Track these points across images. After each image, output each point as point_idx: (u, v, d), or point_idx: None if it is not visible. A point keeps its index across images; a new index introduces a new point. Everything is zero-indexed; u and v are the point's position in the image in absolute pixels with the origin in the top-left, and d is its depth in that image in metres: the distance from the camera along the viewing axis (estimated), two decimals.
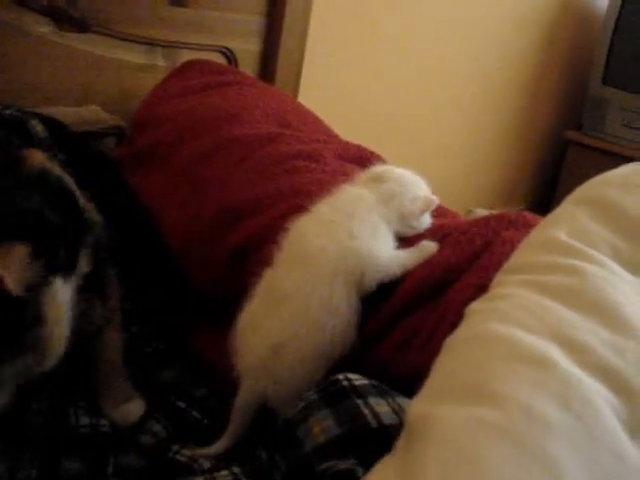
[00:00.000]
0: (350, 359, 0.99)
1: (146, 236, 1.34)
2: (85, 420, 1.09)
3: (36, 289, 0.85)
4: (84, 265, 0.97)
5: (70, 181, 1.04)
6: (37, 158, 1.04)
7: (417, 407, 0.64)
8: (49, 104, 1.60)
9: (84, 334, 1.08)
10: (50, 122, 1.46)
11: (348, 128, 1.62)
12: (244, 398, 1.00)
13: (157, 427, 1.10)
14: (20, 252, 0.85)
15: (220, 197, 1.25)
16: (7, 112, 1.45)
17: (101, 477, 0.98)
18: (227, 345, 1.02)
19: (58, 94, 1.66)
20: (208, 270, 1.25)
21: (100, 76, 1.70)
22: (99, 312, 1.08)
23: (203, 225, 1.26)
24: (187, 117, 1.44)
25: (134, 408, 1.13)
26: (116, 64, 1.72)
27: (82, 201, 1.03)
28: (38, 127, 1.43)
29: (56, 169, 1.03)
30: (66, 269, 0.93)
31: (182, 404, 1.15)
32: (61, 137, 1.44)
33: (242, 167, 1.28)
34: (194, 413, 1.13)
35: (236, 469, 0.93)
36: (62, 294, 0.90)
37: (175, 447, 1.05)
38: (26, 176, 0.98)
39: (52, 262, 0.89)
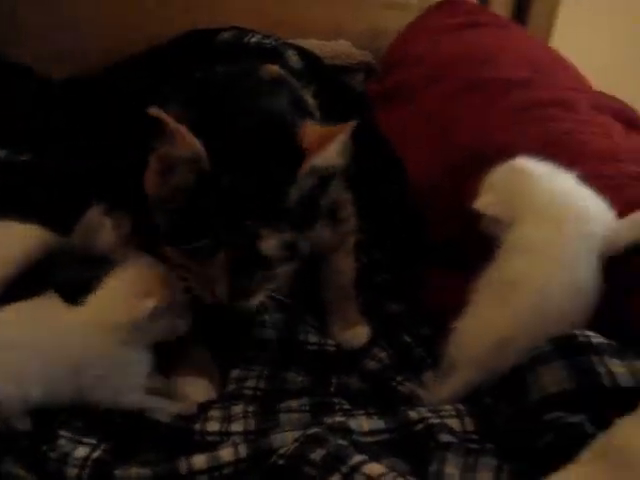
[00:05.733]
0: None
1: (389, 171, 1.36)
2: (313, 338, 1.14)
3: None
4: None
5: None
6: (274, 68, 1.08)
7: None
8: (302, 37, 1.66)
9: (313, 255, 1.13)
10: (305, 54, 1.52)
11: (604, 82, 1.51)
12: (456, 388, 0.96)
13: (382, 354, 1.12)
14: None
15: (466, 140, 1.23)
16: (266, 42, 1.53)
17: (323, 393, 1.02)
18: (457, 292, 0.99)
19: (311, 28, 1.71)
20: (448, 213, 1.23)
21: (352, 12, 1.74)
22: (328, 235, 1.12)
23: (448, 169, 1.24)
24: (440, 57, 1.42)
25: (360, 333, 1.16)
26: (369, 1, 1.74)
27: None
28: (294, 57, 1.50)
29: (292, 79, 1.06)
30: None
31: (408, 338, 1.16)
32: (315, 69, 1.49)
33: (492, 111, 1.25)
34: (419, 350, 1.13)
35: (460, 406, 0.93)
36: None
37: (399, 377, 1.06)
38: (268, 79, 1.02)
39: None
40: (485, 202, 0.99)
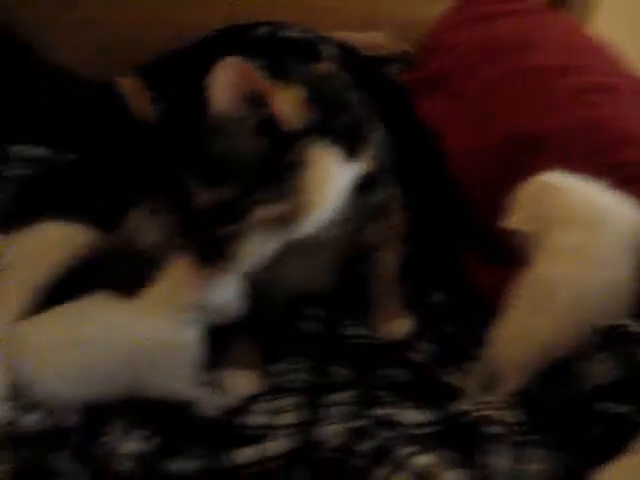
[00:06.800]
0: None
1: (431, 160, 1.35)
2: (356, 331, 1.14)
3: (302, 134, 0.89)
4: (364, 164, 0.98)
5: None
6: (325, 66, 1.10)
7: None
8: (339, 28, 1.65)
9: (364, 248, 1.13)
10: (341, 45, 1.51)
11: None
12: (509, 390, 0.95)
13: (426, 346, 1.12)
14: (300, 93, 0.90)
15: (508, 127, 1.21)
16: (301, 35, 1.53)
17: (367, 386, 1.02)
18: (501, 279, 0.99)
19: (348, 18, 1.71)
20: (491, 203, 1.21)
21: (388, 2, 1.72)
22: (381, 228, 1.11)
23: (488, 154, 1.23)
24: (478, 45, 1.41)
25: (403, 325, 1.16)
26: None
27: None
28: (330, 49, 1.49)
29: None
30: (343, 146, 0.94)
31: (452, 328, 1.16)
32: (351, 60, 1.48)
33: (533, 98, 1.24)
34: (463, 340, 1.13)
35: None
36: (333, 164, 0.92)
37: (443, 369, 1.06)
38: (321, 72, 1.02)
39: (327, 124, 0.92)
40: (517, 220, 1.00)
